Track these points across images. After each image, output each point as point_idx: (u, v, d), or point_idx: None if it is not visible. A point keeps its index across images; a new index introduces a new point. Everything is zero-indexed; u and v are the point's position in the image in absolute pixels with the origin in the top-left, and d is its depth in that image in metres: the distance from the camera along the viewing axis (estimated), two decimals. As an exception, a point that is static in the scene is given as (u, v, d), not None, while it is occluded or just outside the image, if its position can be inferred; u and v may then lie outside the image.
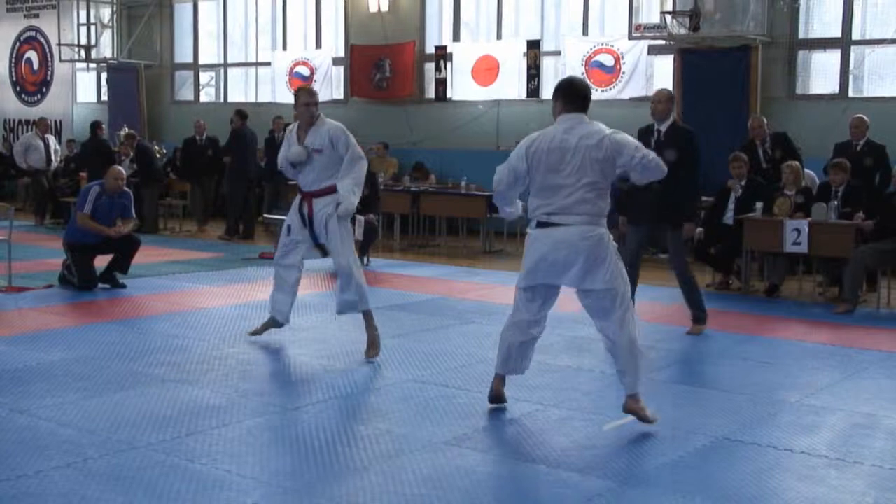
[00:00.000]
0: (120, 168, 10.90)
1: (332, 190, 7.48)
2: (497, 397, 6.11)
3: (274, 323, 8.03)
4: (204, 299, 9.90)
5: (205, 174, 16.57)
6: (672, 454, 5.30)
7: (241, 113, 15.81)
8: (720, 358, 7.69)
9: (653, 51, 15.13)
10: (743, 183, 10.89)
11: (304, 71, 18.65)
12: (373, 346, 7.47)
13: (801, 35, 14.07)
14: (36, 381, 6.59)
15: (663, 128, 8.26)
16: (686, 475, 5.01)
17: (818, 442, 5.61)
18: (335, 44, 18.71)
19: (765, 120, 11.91)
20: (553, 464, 5.13)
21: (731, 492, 4.78)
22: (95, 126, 16.78)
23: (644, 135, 8.23)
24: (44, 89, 22.83)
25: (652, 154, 5.68)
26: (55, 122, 21.38)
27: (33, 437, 5.41)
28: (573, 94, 5.80)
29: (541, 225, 5.70)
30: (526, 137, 5.86)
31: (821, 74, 14.11)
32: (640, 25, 14.79)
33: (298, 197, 7.72)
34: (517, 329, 5.97)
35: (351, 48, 18.08)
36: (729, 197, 11.04)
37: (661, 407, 6.14)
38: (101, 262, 10.44)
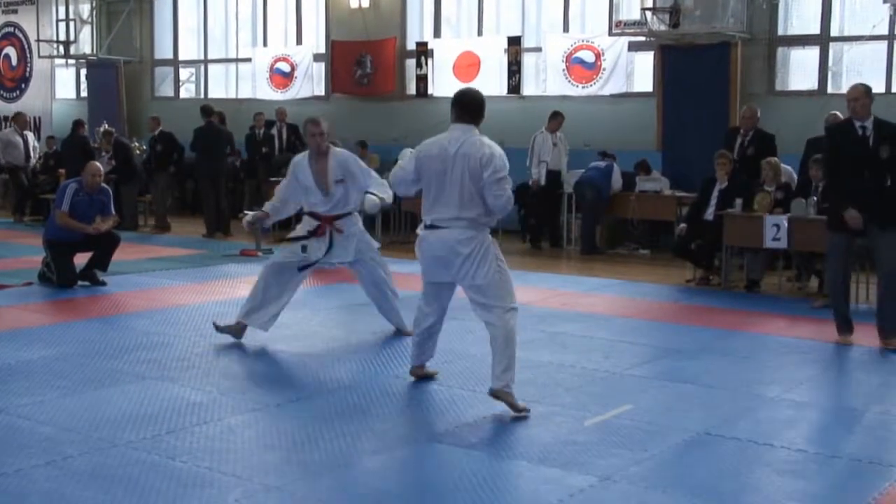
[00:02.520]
0: (97, 164, 10.81)
1: (349, 214, 7.81)
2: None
3: (242, 331, 7.85)
4: (184, 296, 9.87)
5: (156, 171, 16.34)
6: (653, 449, 5.32)
7: (205, 109, 15.60)
8: (700, 353, 7.72)
9: (633, 47, 15.14)
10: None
11: (285, 67, 18.60)
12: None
13: (781, 32, 14.11)
14: (14, 379, 6.56)
15: (868, 124, 7.86)
16: (667, 470, 5.03)
17: (798, 436, 5.65)
18: (316, 39, 18.66)
19: (757, 112, 11.89)
20: (534, 459, 5.14)
21: (711, 486, 4.81)
22: (77, 124, 16.68)
23: (845, 134, 7.96)
24: (22, 85, 22.70)
25: (510, 192, 6.04)
26: (34, 118, 21.22)
27: (12, 435, 5.38)
28: (465, 106, 6.10)
29: (427, 227, 6.11)
30: (421, 144, 6.25)
31: (800, 71, 14.18)
32: (620, 22, 14.80)
33: (312, 222, 7.77)
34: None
35: (332, 44, 18.04)
36: (711, 193, 11.07)
37: (640, 403, 6.17)
38: (81, 259, 10.38)
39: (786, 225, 10.08)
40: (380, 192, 7.74)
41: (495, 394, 5.92)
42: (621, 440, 5.48)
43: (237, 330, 7.79)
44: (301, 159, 7.88)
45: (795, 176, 11.50)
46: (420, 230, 6.18)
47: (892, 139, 7.75)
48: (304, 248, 7.74)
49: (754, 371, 7.23)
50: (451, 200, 5.96)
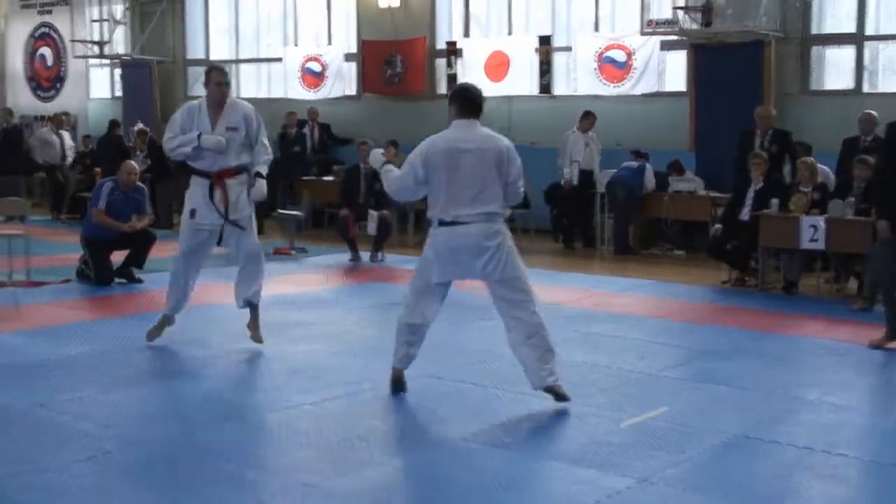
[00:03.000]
0: (133, 163, 10.92)
1: (242, 170, 7.51)
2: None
3: (170, 321, 7.76)
4: (218, 294, 9.87)
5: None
6: (690, 451, 5.29)
7: None
8: (736, 355, 7.67)
9: (665, 46, 15.06)
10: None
11: (316, 67, 18.64)
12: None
13: (815, 30, 13.99)
14: (54, 375, 6.62)
15: None
16: (704, 473, 5.01)
17: (838, 440, 5.58)
18: (346, 39, 18.69)
19: (773, 112, 11.85)
20: (570, 460, 5.13)
21: (750, 490, 4.78)
22: (113, 124, 16.81)
23: None
24: (58, 85, 22.89)
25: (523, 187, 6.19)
26: (70, 117, 21.41)
27: (53, 430, 5.44)
28: (471, 100, 6.08)
29: (443, 224, 6.00)
30: (423, 143, 6.11)
31: (835, 70, 14.05)
32: (651, 21, 14.73)
33: (203, 181, 7.46)
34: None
35: (362, 44, 18.07)
36: (746, 193, 11.00)
37: (676, 404, 6.14)
38: (118, 257, 10.46)
39: (823, 226, 10.00)
40: (264, 171, 7.54)
41: (548, 389, 5.98)
42: (657, 442, 5.45)
43: (163, 325, 7.73)
44: (196, 105, 7.55)
45: (832, 176, 11.42)
46: (434, 228, 6.07)
47: None
48: (192, 214, 7.48)
49: (792, 373, 7.18)
50: (471, 195, 5.90)
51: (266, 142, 7.64)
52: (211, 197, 7.38)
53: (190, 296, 7.76)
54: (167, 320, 7.72)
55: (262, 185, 7.46)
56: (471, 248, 5.93)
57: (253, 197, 7.46)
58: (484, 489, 4.69)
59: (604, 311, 9.36)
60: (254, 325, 7.62)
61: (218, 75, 7.48)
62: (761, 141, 11.65)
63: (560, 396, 6.01)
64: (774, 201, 10.58)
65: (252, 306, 7.66)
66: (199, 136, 7.30)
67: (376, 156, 6.52)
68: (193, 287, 7.77)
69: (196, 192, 7.47)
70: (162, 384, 6.50)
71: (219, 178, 7.38)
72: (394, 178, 6.17)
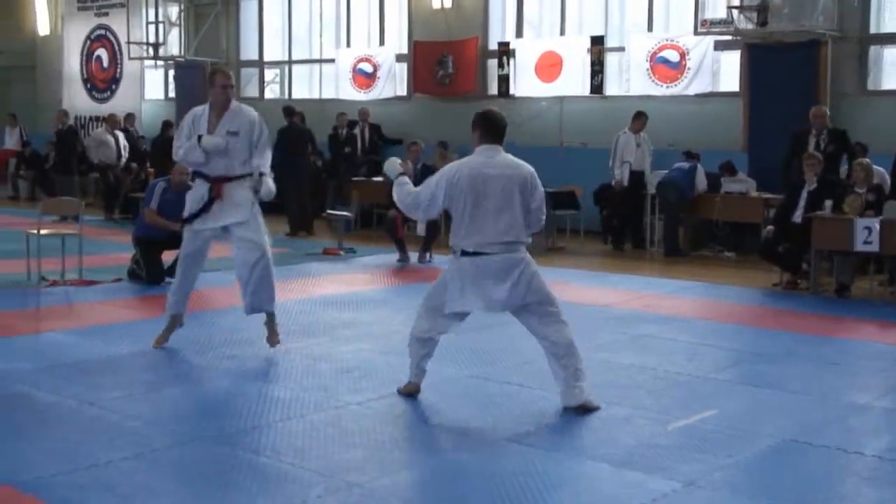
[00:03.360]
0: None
1: (245, 177, 7.31)
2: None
3: (176, 321, 7.68)
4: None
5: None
6: (738, 455, 5.23)
7: (287, 110, 15.82)
8: (786, 358, 7.57)
9: (719, 46, 14.94)
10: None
11: (368, 67, 18.71)
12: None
13: (873, 30, 13.80)
14: (104, 372, 6.70)
15: None
16: (752, 477, 4.95)
17: (890, 445, 5.51)
18: (398, 40, 18.74)
19: (827, 111, 11.70)
20: (617, 463, 5.09)
21: (799, 495, 4.71)
22: (166, 125, 16.99)
23: None
24: (113, 86, 23.17)
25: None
26: (126, 117, 21.68)
27: (102, 427, 5.50)
28: (495, 126, 6.01)
29: (466, 254, 5.90)
30: (446, 167, 6.04)
31: (893, 70, 13.84)
32: (706, 20, 14.63)
33: (203, 185, 7.33)
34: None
35: (414, 44, 18.11)
36: (800, 195, 10.86)
37: (725, 407, 6.08)
38: (169, 256, 10.55)
39: (878, 228, 9.86)
40: (266, 170, 7.33)
41: (584, 407, 5.93)
42: (705, 445, 5.40)
43: (172, 325, 7.66)
44: (200, 110, 7.45)
45: (888, 177, 11.25)
46: (457, 258, 5.95)
47: None
48: (190, 219, 7.35)
49: (842, 377, 7.08)
50: (495, 223, 5.82)
51: (267, 149, 7.46)
52: (209, 202, 7.25)
53: (189, 297, 7.68)
54: (174, 321, 7.64)
55: (269, 184, 7.31)
56: (492, 278, 5.86)
57: (263, 196, 7.28)
58: (529, 490, 4.67)
59: (653, 312, 9.29)
60: (270, 328, 7.50)
61: (223, 78, 7.41)
62: (816, 141, 11.51)
63: (590, 409, 5.97)
64: (828, 203, 10.45)
65: (267, 314, 7.52)
66: (199, 137, 7.21)
67: (393, 165, 6.37)
68: (193, 288, 7.69)
69: (195, 196, 7.38)
70: (210, 382, 6.56)
71: (218, 183, 7.25)
72: (407, 193, 6.07)
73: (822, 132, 11.56)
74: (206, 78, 7.52)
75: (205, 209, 7.27)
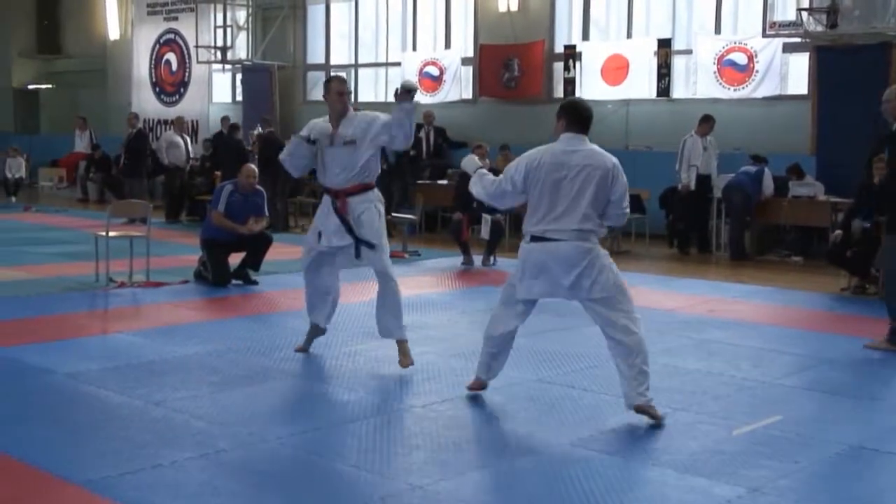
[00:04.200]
0: (253, 167, 11.12)
1: (368, 188, 7.08)
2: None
3: (317, 331, 7.57)
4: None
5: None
6: (804, 462, 5.17)
7: None
8: (853, 364, 7.46)
9: (788, 48, 14.76)
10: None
11: (434, 71, 18.76)
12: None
13: (946, 31, 13.55)
14: (171, 373, 6.79)
15: None
16: (819, 484, 4.88)
17: (960, 454, 5.41)
18: (464, 43, 18.77)
19: None
20: (680, 468, 5.05)
21: (864, 502, 4.64)
22: (233, 127, 17.16)
23: None
24: (181, 90, 23.49)
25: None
26: (192, 121, 21.97)
27: (168, 427, 5.57)
28: (581, 114, 5.95)
29: (535, 239, 5.83)
30: (528, 153, 5.97)
31: (964, 71, 13.56)
32: (774, 23, 14.47)
33: (328, 199, 7.12)
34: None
35: (480, 48, 18.12)
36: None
37: (790, 413, 6.00)
38: (235, 259, 10.68)
39: (948, 232, 9.65)
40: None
41: (639, 409, 5.79)
42: (771, 451, 5.34)
43: (313, 335, 7.57)
44: (321, 122, 7.19)
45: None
46: (525, 242, 5.92)
47: None
48: (318, 237, 7.14)
49: (913, 384, 6.96)
50: (569, 212, 5.75)
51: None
52: (338, 216, 6.99)
53: (328, 305, 7.44)
54: (313, 331, 7.55)
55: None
56: (559, 265, 5.77)
57: (404, 85, 6.83)
58: (592, 495, 4.65)
59: (719, 317, 9.20)
60: (402, 350, 7.14)
61: (339, 84, 7.13)
62: None
63: (652, 417, 5.78)
64: None
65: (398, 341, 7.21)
66: (313, 141, 7.00)
67: (472, 160, 6.41)
68: (325, 299, 7.44)
69: (321, 211, 7.19)
70: (275, 384, 6.61)
71: (341, 195, 7.01)
72: (488, 182, 6.09)
73: None
74: (324, 84, 7.23)
75: (341, 227, 6.97)
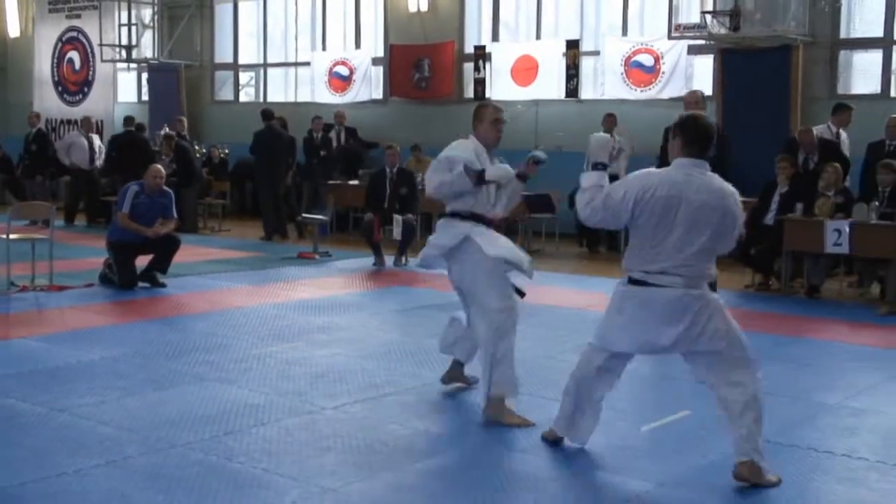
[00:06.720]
0: (159, 166, 10.92)
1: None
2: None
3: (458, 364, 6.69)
4: (243, 298, 9.95)
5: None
6: (711, 455, 5.27)
7: (265, 113, 15.76)
8: (761, 359, 7.60)
9: (693, 51, 15.02)
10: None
11: (344, 71, 18.68)
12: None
13: (843, 35, 13.92)
14: (76, 379, 6.65)
15: None
16: (725, 477, 4.96)
17: (859, 444, 5.56)
18: (374, 43, 18.73)
19: (815, 133, 11.69)
20: (591, 464, 5.14)
21: (770, 494, 4.75)
22: (139, 126, 16.85)
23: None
24: (85, 89, 23.00)
25: None
26: (97, 121, 21.53)
27: (73, 435, 5.46)
28: (701, 134, 5.00)
29: (635, 283, 4.99)
30: (637, 177, 5.00)
31: (862, 74, 13.96)
32: (679, 25, 14.70)
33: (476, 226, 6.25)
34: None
35: (390, 48, 18.10)
36: (772, 197, 10.95)
37: (697, 409, 6.10)
38: (143, 261, 10.50)
39: (847, 230, 9.95)
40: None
41: (740, 475, 4.87)
42: (677, 446, 5.45)
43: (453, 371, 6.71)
44: (472, 144, 6.51)
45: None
46: (623, 285, 5.06)
47: None
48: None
49: (814, 378, 7.14)
50: (679, 252, 4.85)
51: None
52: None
53: (465, 337, 6.45)
54: (454, 366, 6.66)
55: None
56: (662, 316, 4.90)
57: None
58: (502, 491, 4.68)
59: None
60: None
61: (497, 112, 6.45)
62: (805, 158, 11.53)
63: (757, 481, 4.86)
64: (799, 205, 10.54)
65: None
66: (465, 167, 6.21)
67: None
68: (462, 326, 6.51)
69: (490, 236, 6.24)
70: (183, 388, 6.52)
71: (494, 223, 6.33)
72: (600, 204, 4.97)
73: (813, 154, 11.56)
74: (477, 110, 6.60)
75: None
